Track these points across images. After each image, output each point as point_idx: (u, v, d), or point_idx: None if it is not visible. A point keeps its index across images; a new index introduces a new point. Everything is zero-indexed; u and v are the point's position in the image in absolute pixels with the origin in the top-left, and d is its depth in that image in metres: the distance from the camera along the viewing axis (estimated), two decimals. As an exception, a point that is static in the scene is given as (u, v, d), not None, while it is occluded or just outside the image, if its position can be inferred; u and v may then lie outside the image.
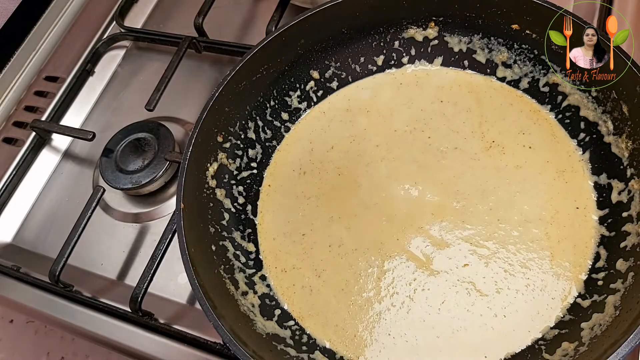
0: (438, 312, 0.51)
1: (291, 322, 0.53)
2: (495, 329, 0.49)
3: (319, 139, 0.62)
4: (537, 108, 0.58)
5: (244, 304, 0.52)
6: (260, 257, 0.57)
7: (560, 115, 0.57)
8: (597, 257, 0.50)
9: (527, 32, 0.56)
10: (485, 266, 0.51)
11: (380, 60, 0.64)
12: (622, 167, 0.51)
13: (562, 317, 0.49)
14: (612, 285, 0.48)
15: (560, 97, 0.56)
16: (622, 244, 0.49)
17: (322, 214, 0.58)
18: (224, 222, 0.56)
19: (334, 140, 0.62)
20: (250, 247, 0.57)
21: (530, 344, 0.48)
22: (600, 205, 0.52)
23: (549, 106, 0.57)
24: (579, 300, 0.49)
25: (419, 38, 0.62)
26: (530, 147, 0.56)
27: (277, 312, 0.53)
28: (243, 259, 0.56)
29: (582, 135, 0.55)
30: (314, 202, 0.59)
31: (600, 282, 0.49)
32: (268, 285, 0.55)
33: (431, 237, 0.54)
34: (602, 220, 0.52)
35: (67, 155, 0.76)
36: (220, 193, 0.57)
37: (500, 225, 0.53)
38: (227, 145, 0.58)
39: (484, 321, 0.50)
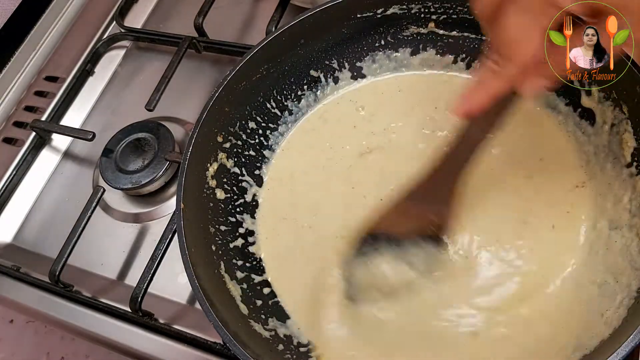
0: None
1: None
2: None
3: (319, 140, 0.62)
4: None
5: (244, 304, 0.52)
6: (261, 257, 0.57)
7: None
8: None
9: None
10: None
11: (381, 60, 0.64)
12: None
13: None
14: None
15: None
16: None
17: (322, 216, 0.58)
18: (224, 222, 0.56)
19: (335, 141, 0.62)
20: (251, 247, 0.57)
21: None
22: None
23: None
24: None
25: (419, 38, 0.62)
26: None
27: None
28: (243, 259, 0.56)
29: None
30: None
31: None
32: (268, 285, 0.55)
33: None
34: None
35: (67, 155, 0.76)
36: (220, 193, 0.57)
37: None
38: (227, 145, 0.58)
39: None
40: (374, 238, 0.50)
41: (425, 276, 0.50)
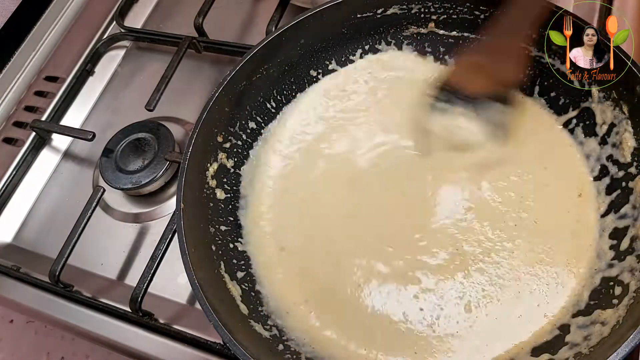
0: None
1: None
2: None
3: (320, 139, 0.62)
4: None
5: (244, 304, 0.52)
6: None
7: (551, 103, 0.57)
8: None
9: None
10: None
11: (381, 60, 0.64)
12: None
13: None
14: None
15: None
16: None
17: (322, 216, 0.58)
18: (224, 222, 0.56)
19: (334, 141, 0.62)
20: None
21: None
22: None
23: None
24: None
25: (419, 38, 0.62)
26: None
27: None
28: (243, 259, 0.56)
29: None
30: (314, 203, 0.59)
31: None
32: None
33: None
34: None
35: (67, 155, 0.76)
36: (220, 193, 0.57)
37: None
38: (227, 145, 0.58)
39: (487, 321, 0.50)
40: (448, 92, 0.53)
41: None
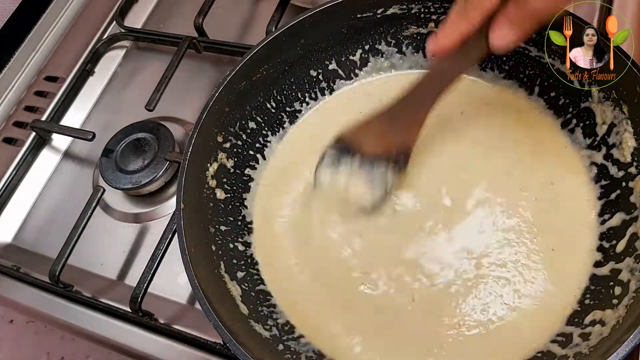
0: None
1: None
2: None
3: (319, 139, 0.62)
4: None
5: (244, 304, 0.52)
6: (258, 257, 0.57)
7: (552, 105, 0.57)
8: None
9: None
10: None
11: (381, 60, 0.64)
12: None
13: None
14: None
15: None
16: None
17: (322, 215, 0.58)
18: (224, 222, 0.56)
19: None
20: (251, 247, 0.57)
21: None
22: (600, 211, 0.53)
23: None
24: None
25: (419, 38, 0.62)
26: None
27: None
28: (243, 259, 0.56)
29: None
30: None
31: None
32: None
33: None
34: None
35: (67, 155, 0.76)
36: (220, 193, 0.57)
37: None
38: (227, 145, 0.58)
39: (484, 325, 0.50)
40: (344, 150, 0.54)
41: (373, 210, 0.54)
